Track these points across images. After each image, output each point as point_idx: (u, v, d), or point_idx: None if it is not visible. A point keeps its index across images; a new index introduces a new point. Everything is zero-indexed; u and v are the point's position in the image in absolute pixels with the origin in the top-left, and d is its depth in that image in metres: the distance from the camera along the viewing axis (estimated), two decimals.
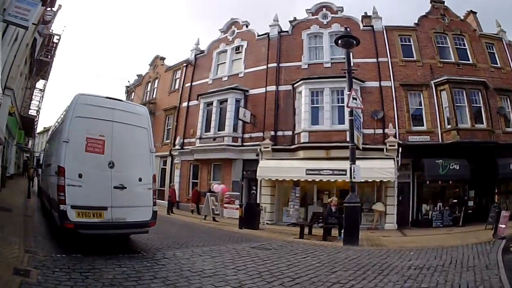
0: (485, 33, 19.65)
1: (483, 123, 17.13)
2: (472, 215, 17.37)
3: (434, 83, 17.26)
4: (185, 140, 20.54)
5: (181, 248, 7.67)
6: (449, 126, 16.79)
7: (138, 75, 27.34)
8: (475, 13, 20.88)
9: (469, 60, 18.36)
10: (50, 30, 23.12)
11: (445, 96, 17.04)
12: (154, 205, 7.14)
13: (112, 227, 6.43)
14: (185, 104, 21.19)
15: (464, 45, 18.67)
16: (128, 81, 29.10)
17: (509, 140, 17.81)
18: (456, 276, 6.13)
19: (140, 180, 6.92)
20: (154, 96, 24.51)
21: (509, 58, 19.29)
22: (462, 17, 20.07)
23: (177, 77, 22.59)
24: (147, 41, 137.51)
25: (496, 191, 18.64)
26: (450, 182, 17.29)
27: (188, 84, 21.38)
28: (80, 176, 6.18)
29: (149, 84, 25.49)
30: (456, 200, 17.55)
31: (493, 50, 19.23)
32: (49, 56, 25.46)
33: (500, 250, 8.60)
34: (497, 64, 18.92)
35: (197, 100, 20.03)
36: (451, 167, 16.16)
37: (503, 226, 11.04)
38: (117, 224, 6.45)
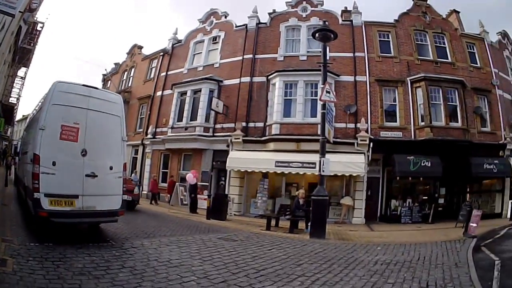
0: (467, 33, 19.45)
1: (458, 122, 16.93)
2: (442, 212, 17.26)
3: (410, 79, 17.03)
4: (157, 130, 20.08)
5: (149, 237, 7.65)
6: (422, 123, 16.55)
7: (115, 64, 26.93)
8: (458, 12, 20.67)
9: (448, 59, 18.17)
10: (35, 18, 22.71)
11: (421, 93, 16.79)
12: (123, 194, 7.17)
13: (83, 215, 6.45)
14: (159, 93, 20.73)
15: (444, 44, 18.46)
16: (105, 69, 28.81)
17: (484, 139, 17.68)
18: (424, 273, 6.05)
19: (111, 168, 6.89)
20: (129, 84, 24.02)
21: (490, 59, 19.15)
22: (444, 16, 19.85)
23: (153, 66, 22.15)
24: (130, 30, 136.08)
25: (468, 189, 18.55)
26: (421, 178, 17.22)
27: (164, 73, 20.94)
28: (54, 164, 6.14)
29: (126, 73, 25.01)
30: (426, 197, 17.49)
31: (473, 50, 19.09)
32: (31, 44, 24.94)
33: (471, 249, 8.52)
34: (477, 64, 18.77)
35: (172, 89, 19.60)
36: (422, 164, 15.99)
37: (474, 225, 10.96)
38: (87, 213, 6.46)
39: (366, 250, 8.23)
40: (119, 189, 7.05)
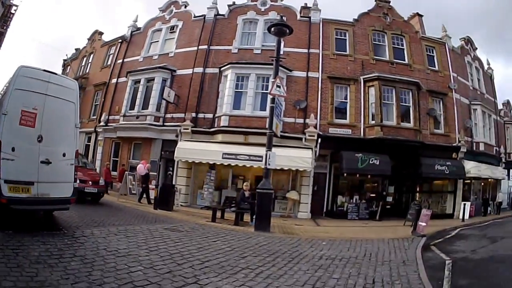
0: (428, 36, 19.52)
1: (410, 122, 16.93)
2: (391, 210, 17.29)
3: (363, 78, 16.95)
4: (110, 117, 19.49)
5: (99, 226, 7.66)
6: (373, 122, 16.44)
7: (76, 49, 26.25)
8: (421, 16, 20.79)
9: (405, 60, 18.15)
10: (11, 1, 22.08)
11: (373, 92, 16.69)
12: (74, 181, 7.13)
13: (38, 202, 6.43)
14: (114, 80, 20.15)
15: (403, 45, 18.44)
16: (66, 55, 27.84)
17: (437, 141, 17.72)
18: (370, 269, 6.00)
19: (64, 155, 6.80)
20: (87, 71, 23.42)
21: (449, 63, 19.23)
22: (406, 18, 19.83)
23: (111, 53, 21.56)
24: (97, 15, 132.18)
25: (418, 189, 18.51)
26: (369, 176, 17.17)
27: (120, 61, 20.41)
28: (13, 149, 6.05)
29: (85, 59, 24.34)
30: (374, 195, 17.44)
31: (433, 53, 19.12)
32: (4, 27, 24.26)
33: (420, 248, 8.47)
34: (435, 67, 18.80)
35: (126, 77, 19.10)
36: (370, 162, 15.93)
37: (423, 224, 10.96)
38: (42, 200, 6.43)
39: (311, 244, 8.20)
40: (71, 177, 7.00)
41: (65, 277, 4.00)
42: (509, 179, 25.25)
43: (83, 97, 20.31)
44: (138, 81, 18.52)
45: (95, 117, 20.72)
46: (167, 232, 7.77)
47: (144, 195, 14.52)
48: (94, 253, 5.19)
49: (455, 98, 18.56)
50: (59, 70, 24.97)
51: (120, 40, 20.95)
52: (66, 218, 7.85)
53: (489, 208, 20.46)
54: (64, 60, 26.04)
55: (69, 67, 25.00)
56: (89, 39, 24.69)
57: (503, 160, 22.45)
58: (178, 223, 9.66)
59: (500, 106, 26.19)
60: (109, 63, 21.20)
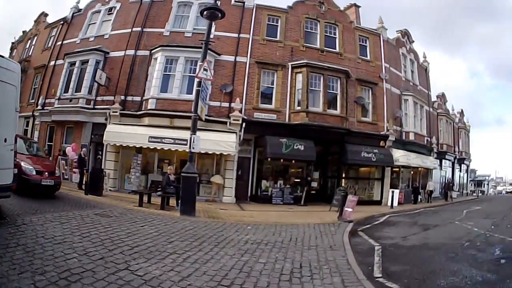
0: (362, 27, 19.89)
1: (337, 109, 17.22)
2: (316, 196, 17.66)
3: (291, 65, 17.22)
4: (47, 101, 19.30)
5: (36, 214, 7.59)
6: (298, 108, 16.73)
7: (23, 31, 25.75)
8: (359, 6, 21.10)
9: (336, 49, 18.44)
10: None
11: (301, 78, 16.99)
12: (14, 167, 6.93)
13: None
14: (53, 63, 20.02)
15: (335, 34, 18.78)
16: (14, 37, 27.64)
17: (364, 129, 18.13)
18: (296, 254, 6.11)
19: (5, 141, 6.55)
20: (30, 53, 23.22)
21: (382, 54, 19.62)
22: (342, 8, 20.18)
23: (52, 34, 21.34)
24: None
25: (343, 175, 18.90)
26: (293, 161, 17.41)
27: (60, 43, 20.27)
28: None
29: (29, 41, 24.10)
30: (299, 180, 17.73)
31: (366, 43, 19.48)
32: None
33: (347, 233, 8.57)
34: (367, 57, 19.16)
35: (64, 59, 19.02)
36: (295, 147, 16.17)
37: (350, 210, 11.12)
38: None
39: (236, 229, 8.28)
40: (11, 163, 6.80)
41: (12, 268, 4.08)
42: (441, 169, 26.00)
43: (24, 81, 20.11)
44: (73, 63, 18.42)
45: (33, 101, 20.52)
46: (98, 217, 7.85)
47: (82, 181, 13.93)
48: (34, 241, 5.27)
49: (385, 88, 19.05)
50: (7, 53, 24.73)
51: (61, 22, 20.74)
52: (8, 206, 7.77)
53: (419, 197, 21.05)
54: (12, 43, 25.72)
55: (15, 50, 24.73)
56: (35, 21, 24.38)
57: (435, 150, 23.10)
58: (107, 208, 9.73)
59: (434, 98, 26.90)
60: (49, 45, 21.04)
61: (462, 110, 36.71)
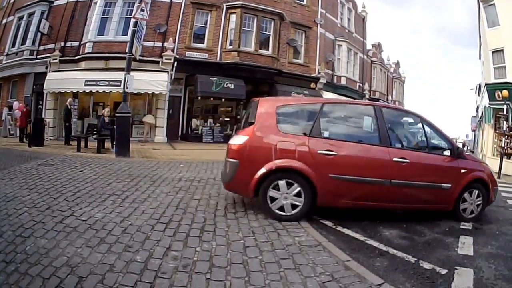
0: None
1: (268, 50, 17.82)
2: None
3: (226, 5, 17.60)
4: None
5: None
6: (230, 47, 17.29)
7: None
8: None
9: None
10: None
11: (234, 19, 17.49)
12: None
13: None
14: (5, 20, 20.66)
15: None
16: None
17: (295, 70, 18.77)
18: None
19: None
20: None
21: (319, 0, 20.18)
22: None
23: None
24: None
25: None
26: (223, 100, 17.91)
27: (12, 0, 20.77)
28: None
29: None
30: (228, 119, 18.27)
31: None
32: None
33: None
34: (303, 1, 19.66)
35: (14, 15, 19.68)
36: (225, 86, 16.70)
37: None
38: None
39: (169, 167, 8.40)
40: None
41: None
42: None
43: None
44: (22, 17, 19.04)
45: None
46: (41, 167, 7.86)
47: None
48: None
49: (319, 32, 19.74)
50: None
51: None
52: None
53: None
54: None
55: None
56: None
57: (367, 96, 23.95)
58: (49, 157, 9.62)
59: (369, 47, 27.61)
60: (4, 4, 21.60)
61: (398, 61, 37.23)
